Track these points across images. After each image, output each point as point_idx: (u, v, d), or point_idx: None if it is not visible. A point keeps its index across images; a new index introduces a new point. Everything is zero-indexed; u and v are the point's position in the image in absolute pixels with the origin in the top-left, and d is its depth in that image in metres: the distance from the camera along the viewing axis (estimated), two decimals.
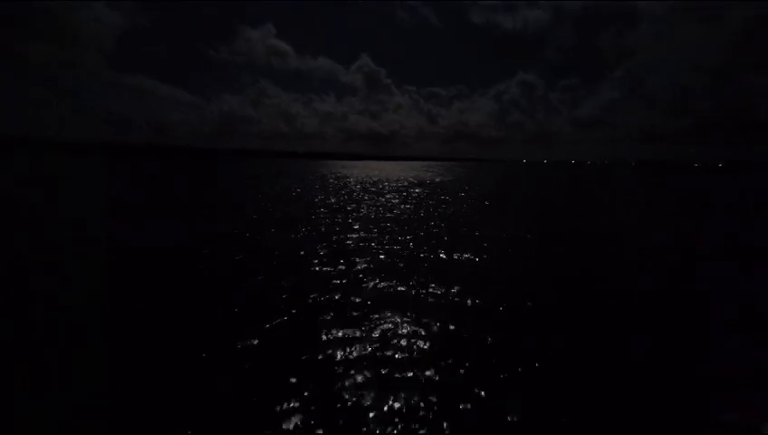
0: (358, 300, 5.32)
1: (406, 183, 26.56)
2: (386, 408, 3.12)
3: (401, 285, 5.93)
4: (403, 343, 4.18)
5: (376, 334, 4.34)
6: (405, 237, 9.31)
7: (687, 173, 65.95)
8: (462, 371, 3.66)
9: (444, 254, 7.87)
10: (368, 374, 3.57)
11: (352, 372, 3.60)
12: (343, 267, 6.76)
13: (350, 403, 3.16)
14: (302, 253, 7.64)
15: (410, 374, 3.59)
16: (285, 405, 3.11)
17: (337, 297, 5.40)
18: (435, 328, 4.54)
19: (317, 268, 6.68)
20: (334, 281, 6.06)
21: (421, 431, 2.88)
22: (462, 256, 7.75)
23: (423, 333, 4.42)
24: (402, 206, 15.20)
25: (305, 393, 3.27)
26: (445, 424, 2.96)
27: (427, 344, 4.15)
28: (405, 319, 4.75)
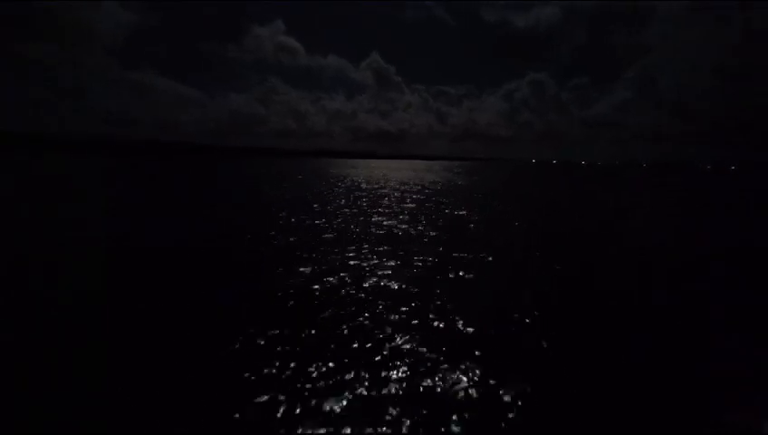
0: (360, 297, 5.32)
1: (413, 187, 26.59)
2: (386, 407, 3.12)
3: (403, 284, 5.93)
4: (403, 339, 4.18)
5: (377, 335, 4.33)
6: (408, 241, 9.31)
7: (699, 175, 65.73)
8: (462, 368, 3.66)
9: (448, 258, 7.87)
10: (368, 373, 3.56)
11: (351, 370, 3.60)
12: (345, 265, 6.77)
13: (349, 403, 3.16)
14: (304, 254, 7.64)
15: (410, 371, 3.59)
16: (285, 405, 3.11)
17: (338, 295, 5.39)
18: (436, 328, 4.53)
19: (318, 268, 6.68)
20: (335, 280, 6.06)
21: (420, 431, 2.88)
22: (466, 261, 7.75)
23: (424, 332, 4.41)
24: (409, 210, 15.21)
25: (305, 393, 3.27)
26: (444, 423, 2.95)
27: (429, 343, 4.15)
28: (405, 316, 4.75)
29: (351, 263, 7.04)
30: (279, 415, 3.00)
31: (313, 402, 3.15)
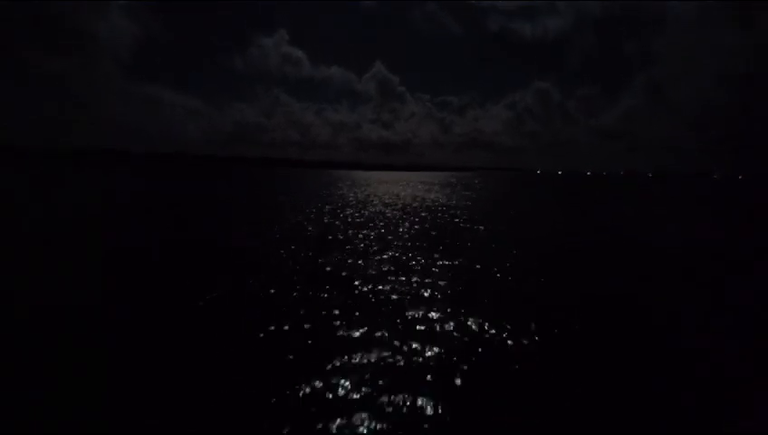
0: (360, 299, 5.29)
1: (413, 207, 26.65)
2: (387, 409, 3.07)
3: (404, 297, 5.89)
4: (405, 346, 4.14)
5: (377, 343, 4.28)
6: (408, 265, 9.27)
7: (708, 185, 64.80)
8: (467, 376, 3.61)
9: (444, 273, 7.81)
10: (367, 377, 3.52)
11: (347, 371, 3.55)
12: (348, 269, 6.74)
13: (348, 403, 3.12)
14: (308, 265, 7.60)
15: (412, 377, 3.54)
16: (284, 406, 3.07)
17: (339, 299, 5.35)
18: (440, 334, 4.49)
19: (320, 273, 6.64)
20: (336, 286, 6.01)
21: (425, 432, 2.84)
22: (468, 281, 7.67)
23: (427, 336, 4.37)
24: (407, 236, 15.18)
25: (304, 393, 3.23)
26: (452, 426, 2.91)
27: (432, 347, 4.11)
28: (406, 322, 4.72)
29: (354, 267, 6.98)
30: (278, 416, 2.96)
31: (313, 401, 3.11)
